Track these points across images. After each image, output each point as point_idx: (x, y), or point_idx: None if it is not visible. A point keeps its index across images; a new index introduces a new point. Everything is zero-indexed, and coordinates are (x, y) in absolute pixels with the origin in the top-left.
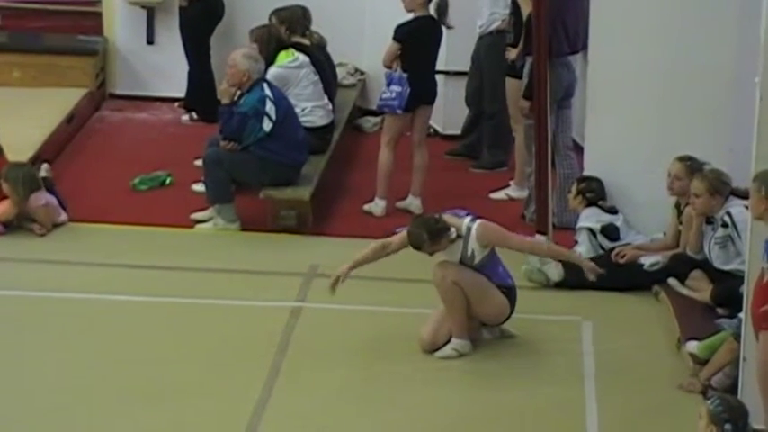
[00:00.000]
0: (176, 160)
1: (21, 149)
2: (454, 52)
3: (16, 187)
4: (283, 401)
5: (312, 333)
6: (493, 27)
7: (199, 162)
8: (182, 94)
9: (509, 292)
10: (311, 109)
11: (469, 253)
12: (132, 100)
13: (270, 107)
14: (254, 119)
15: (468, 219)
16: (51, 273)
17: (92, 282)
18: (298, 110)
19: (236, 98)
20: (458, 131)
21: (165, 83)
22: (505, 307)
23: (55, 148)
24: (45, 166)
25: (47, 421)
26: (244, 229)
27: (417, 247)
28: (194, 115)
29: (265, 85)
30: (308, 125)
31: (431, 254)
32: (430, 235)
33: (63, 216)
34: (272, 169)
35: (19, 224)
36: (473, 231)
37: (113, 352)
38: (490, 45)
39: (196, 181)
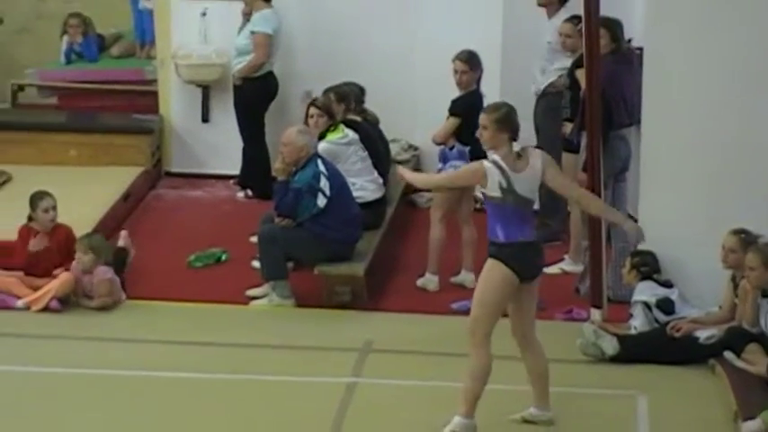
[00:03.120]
0: (231, 237)
1: (78, 228)
2: None
3: (101, 251)
4: None
5: (367, 409)
6: (545, 86)
7: (254, 239)
8: (236, 172)
9: (497, 248)
10: (362, 184)
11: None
12: (188, 178)
13: (324, 183)
14: (308, 195)
15: (488, 159)
16: (108, 350)
17: (149, 359)
18: None
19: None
20: None
21: (220, 160)
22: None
23: (111, 226)
24: (124, 233)
25: None
26: (299, 305)
27: (488, 110)
28: (249, 192)
29: (320, 161)
30: (359, 200)
31: (483, 142)
32: (508, 115)
33: (123, 295)
34: (327, 245)
35: (76, 300)
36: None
37: (170, 429)
38: (546, 108)
39: (254, 257)
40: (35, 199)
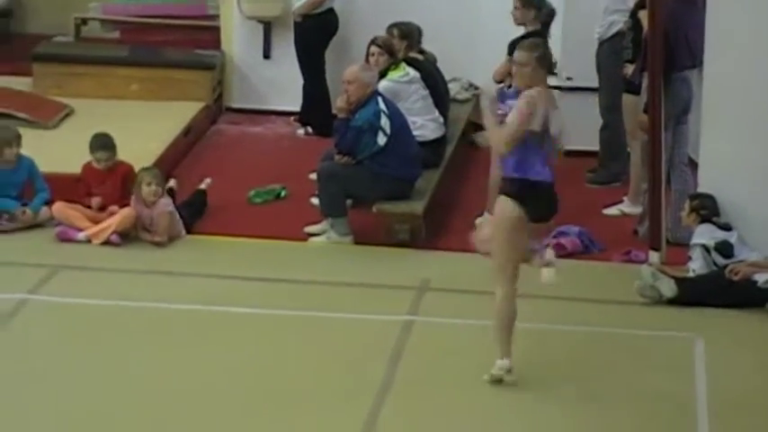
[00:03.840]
0: (291, 174)
1: (139, 161)
2: (571, 67)
3: (160, 181)
4: (394, 416)
5: (423, 347)
6: (612, 32)
7: (313, 176)
8: (297, 108)
9: (510, 184)
10: (422, 123)
11: None
12: (248, 113)
13: (384, 121)
14: (368, 133)
15: (534, 89)
16: (167, 284)
17: (207, 293)
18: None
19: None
20: (572, 147)
21: (281, 97)
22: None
23: (172, 161)
24: (208, 180)
25: (163, 426)
26: (357, 243)
27: (527, 48)
28: (309, 129)
29: (380, 99)
30: (419, 139)
31: (521, 80)
32: (546, 52)
33: (183, 230)
34: (386, 183)
35: (135, 234)
36: (522, 95)
37: (227, 362)
38: (609, 52)
39: (313, 194)
40: (92, 144)
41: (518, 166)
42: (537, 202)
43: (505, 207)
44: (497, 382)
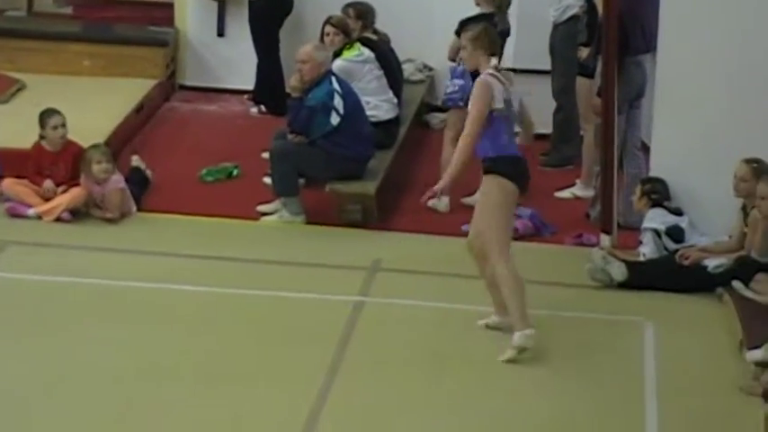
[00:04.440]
0: (244, 152)
1: (90, 138)
2: (524, 50)
3: (109, 159)
4: (343, 395)
5: (374, 328)
6: (567, 16)
7: (266, 155)
8: (251, 87)
9: (492, 162)
10: (376, 103)
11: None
12: (202, 91)
13: (338, 101)
14: (322, 113)
15: (489, 71)
16: (118, 261)
17: (158, 271)
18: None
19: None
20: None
21: (235, 75)
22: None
23: (123, 138)
24: (136, 156)
25: (108, 404)
26: (309, 223)
27: (464, 32)
28: (263, 108)
29: (333, 79)
30: (372, 119)
31: (454, 56)
32: (482, 33)
33: (133, 207)
34: (339, 163)
35: (86, 211)
36: (475, 83)
37: (176, 340)
38: (563, 36)
39: (265, 173)
40: (44, 116)
41: (494, 146)
42: (522, 176)
43: (505, 185)
44: (522, 351)
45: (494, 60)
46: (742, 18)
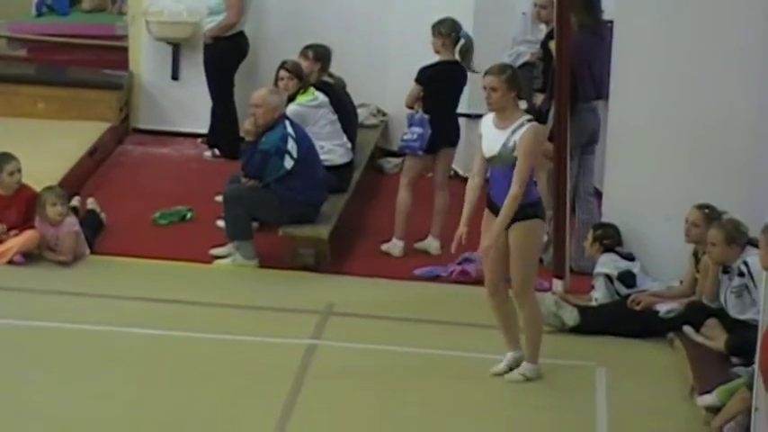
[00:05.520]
0: (197, 196)
1: (43, 181)
2: (478, 95)
3: (64, 202)
4: None
5: (327, 371)
6: (520, 62)
7: (219, 198)
8: (205, 130)
9: (534, 206)
10: (330, 148)
11: (510, 144)
12: (155, 135)
13: (291, 145)
14: (275, 157)
15: (527, 116)
16: (71, 304)
17: (111, 314)
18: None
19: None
20: None
21: (189, 118)
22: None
23: (77, 181)
24: (91, 199)
25: None
26: (262, 266)
27: (496, 72)
28: (216, 151)
29: (287, 123)
30: (327, 163)
31: (491, 104)
32: (515, 74)
33: (87, 250)
34: (292, 207)
35: (39, 254)
36: (523, 128)
37: (129, 384)
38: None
39: (219, 217)
40: (1, 161)
41: (532, 190)
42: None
43: (542, 229)
44: (528, 380)
45: (523, 104)
46: (693, 67)
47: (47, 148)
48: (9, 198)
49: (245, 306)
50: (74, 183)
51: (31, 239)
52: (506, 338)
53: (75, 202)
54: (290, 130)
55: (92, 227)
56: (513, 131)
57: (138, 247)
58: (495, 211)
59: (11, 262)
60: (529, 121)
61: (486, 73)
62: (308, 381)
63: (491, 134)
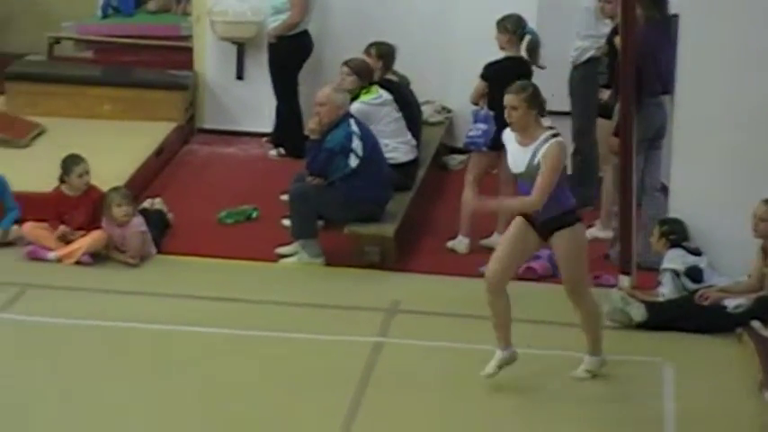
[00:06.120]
0: (263, 195)
1: (109, 181)
2: (544, 91)
3: (130, 201)
4: None
5: (393, 369)
6: (585, 57)
7: (285, 197)
8: (270, 129)
9: (573, 212)
10: (394, 146)
11: (535, 162)
12: (221, 134)
13: (356, 144)
14: (340, 155)
15: (550, 131)
16: (138, 304)
17: (178, 314)
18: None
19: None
20: None
21: (254, 118)
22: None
23: (143, 181)
24: (158, 199)
25: None
26: (328, 264)
27: (515, 91)
28: (282, 150)
29: (352, 121)
30: (391, 161)
31: (513, 123)
32: (536, 92)
33: (154, 249)
34: (357, 205)
35: (107, 254)
36: (546, 145)
37: (195, 384)
38: (581, 77)
39: (284, 216)
40: (69, 163)
41: (569, 198)
42: None
43: (584, 231)
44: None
45: (546, 120)
46: (760, 58)
47: (113, 148)
48: (77, 199)
49: (311, 304)
50: (140, 183)
51: (98, 240)
52: (498, 335)
53: (147, 204)
54: (354, 128)
55: (158, 227)
56: (537, 148)
57: (205, 246)
58: (528, 219)
59: (78, 262)
60: (553, 136)
61: (507, 92)
62: (374, 379)
63: (515, 151)
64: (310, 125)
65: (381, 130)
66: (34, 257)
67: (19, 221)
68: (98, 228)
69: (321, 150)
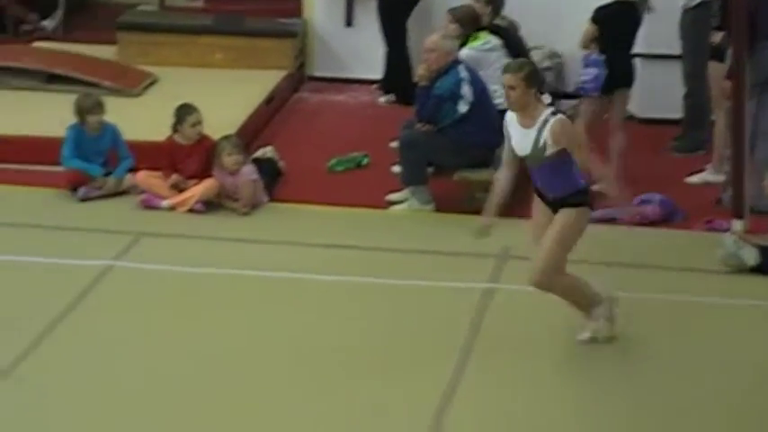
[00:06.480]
0: (373, 142)
1: (221, 130)
2: (654, 35)
3: (241, 150)
4: (473, 385)
5: (504, 316)
6: (695, 1)
7: (395, 144)
8: (379, 76)
9: (585, 193)
10: (503, 91)
11: (540, 143)
12: (330, 82)
13: (466, 90)
14: (449, 101)
15: (549, 110)
16: (250, 251)
17: (289, 261)
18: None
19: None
20: (656, 115)
21: (363, 65)
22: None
23: (254, 130)
24: (270, 147)
25: (235, 394)
26: (438, 211)
27: (513, 70)
28: (391, 97)
29: (461, 67)
30: (500, 107)
31: (511, 103)
32: (534, 71)
33: (265, 198)
34: (467, 151)
35: (219, 202)
36: (549, 124)
37: (307, 329)
38: (693, 20)
39: (394, 162)
40: (182, 113)
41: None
42: None
43: (587, 217)
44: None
45: (546, 98)
46: None
47: (224, 97)
48: (190, 148)
49: (421, 251)
50: (251, 132)
51: (210, 188)
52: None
53: (260, 153)
54: (463, 74)
55: (270, 175)
56: (540, 129)
57: (315, 194)
58: (547, 201)
59: (191, 210)
60: (553, 114)
61: (504, 71)
62: (486, 325)
63: (518, 134)
64: (419, 72)
65: (490, 75)
66: (148, 206)
67: (132, 170)
68: (210, 176)
69: (430, 97)
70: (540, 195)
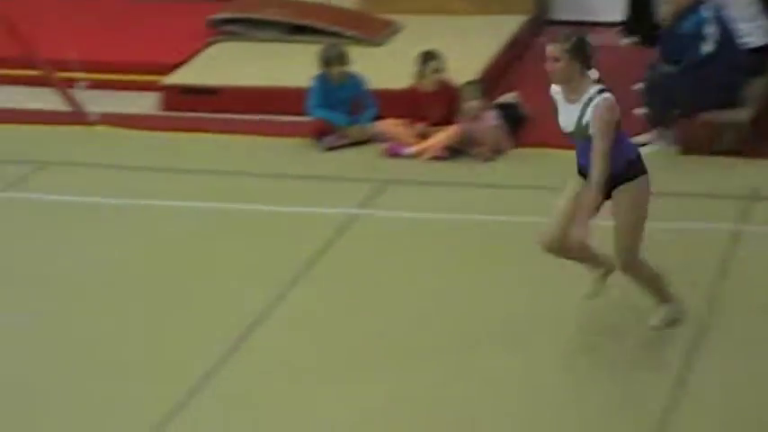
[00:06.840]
0: (616, 84)
1: (463, 76)
2: None
3: (482, 95)
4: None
5: (753, 258)
6: None
7: (639, 86)
8: (622, 18)
9: (638, 162)
10: (749, 30)
11: (584, 122)
12: (573, 25)
13: (710, 29)
14: (694, 42)
15: (596, 87)
16: (495, 197)
17: (537, 206)
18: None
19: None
20: None
21: (606, 7)
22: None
23: (497, 75)
24: (513, 93)
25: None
26: (683, 153)
27: (559, 41)
28: (635, 39)
29: (705, 7)
30: (745, 46)
31: (554, 76)
32: (580, 43)
33: (509, 143)
34: (712, 92)
35: (463, 149)
36: (593, 103)
37: (546, 278)
38: None
39: (638, 105)
40: (425, 59)
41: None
42: None
43: (648, 186)
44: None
45: (593, 73)
46: None
47: (466, 44)
48: (433, 95)
49: (666, 193)
50: (493, 77)
51: (454, 135)
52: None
53: (504, 99)
54: (707, 14)
55: (514, 120)
56: (585, 106)
57: (560, 138)
58: (585, 175)
59: (435, 157)
60: (600, 92)
61: (548, 42)
62: (732, 267)
63: (564, 109)
64: (663, 12)
65: (736, 14)
66: (392, 154)
67: (377, 119)
68: (453, 123)
69: (674, 37)
70: (581, 172)
